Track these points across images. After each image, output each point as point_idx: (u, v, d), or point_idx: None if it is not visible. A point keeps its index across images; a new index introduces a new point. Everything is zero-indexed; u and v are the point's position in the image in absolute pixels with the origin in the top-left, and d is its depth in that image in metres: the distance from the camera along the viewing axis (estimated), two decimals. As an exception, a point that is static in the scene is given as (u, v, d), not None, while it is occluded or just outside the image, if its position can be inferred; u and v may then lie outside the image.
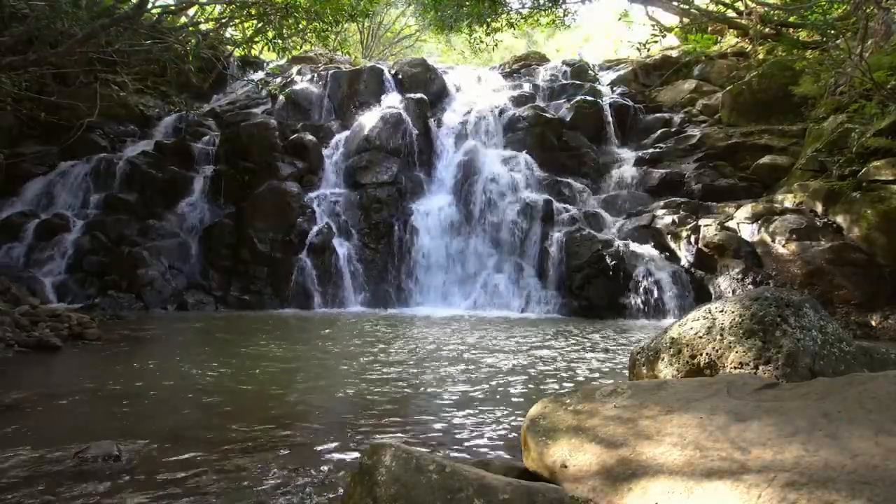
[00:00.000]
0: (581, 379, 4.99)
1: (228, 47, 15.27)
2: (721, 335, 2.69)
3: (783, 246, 9.07)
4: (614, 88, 15.75)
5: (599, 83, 16.08)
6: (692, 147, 12.80)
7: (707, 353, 2.70)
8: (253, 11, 11.20)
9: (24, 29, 9.38)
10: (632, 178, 12.54)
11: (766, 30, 14.69)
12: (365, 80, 14.68)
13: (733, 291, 9.13)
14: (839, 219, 9.01)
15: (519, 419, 3.62)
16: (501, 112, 13.94)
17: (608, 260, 10.00)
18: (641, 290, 9.70)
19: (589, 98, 14.29)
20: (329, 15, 11.45)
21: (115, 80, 12.65)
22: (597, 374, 5.20)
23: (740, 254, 9.41)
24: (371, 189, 12.05)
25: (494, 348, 6.42)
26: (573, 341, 7.04)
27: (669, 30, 18.66)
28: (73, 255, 10.44)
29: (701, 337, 2.75)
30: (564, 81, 15.99)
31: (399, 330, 7.93)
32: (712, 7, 16.93)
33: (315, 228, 11.25)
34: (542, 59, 18.94)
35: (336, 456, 2.98)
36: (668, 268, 9.93)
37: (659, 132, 13.66)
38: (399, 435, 3.36)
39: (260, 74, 16.66)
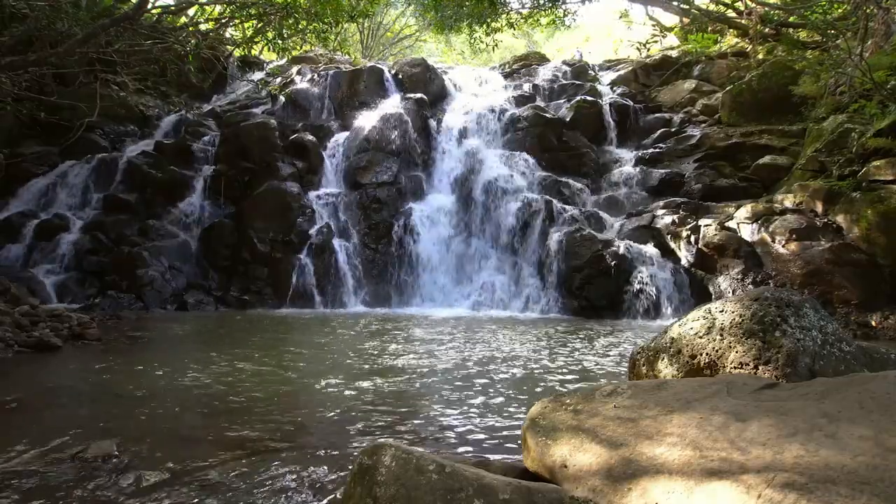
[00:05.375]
0: (581, 379, 4.99)
1: (228, 47, 15.27)
2: (721, 335, 2.69)
3: (783, 246, 9.07)
4: (614, 88, 15.74)
5: (599, 83, 16.07)
6: (692, 147, 12.79)
7: (707, 353, 2.70)
8: (253, 11, 11.19)
9: (24, 29, 9.38)
10: (632, 178, 12.53)
11: (766, 30, 14.69)
12: (365, 80, 14.68)
13: (733, 291, 9.12)
14: (839, 219, 9.00)
15: (519, 419, 3.62)
16: (501, 112, 13.94)
17: (608, 260, 10.00)
18: (641, 290, 9.70)
19: (589, 98, 14.29)
20: (329, 15, 11.44)
21: (115, 80, 12.64)
22: (597, 374, 5.20)
23: (740, 254, 9.40)
24: (371, 189, 12.05)
25: (494, 348, 6.42)
26: (573, 341, 7.04)
27: (669, 30, 18.69)
28: (72, 255, 10.44)
29: (701, 337, 2.75)
30: (564, 81, 15.99)
31: (399, 330, 7.93)
32: (712, 7, 16.94)
33: (315, 228, 11.25)
34: (542, 59, 18.94)
35: (336, 456, 2.98)
36: (668, 268, 9.93)
37: (659, 132, 13.65)
38: (399, 435, 3.36)
39: (260, 74, 16.66)
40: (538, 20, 18.26)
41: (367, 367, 5.36)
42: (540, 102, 14.61)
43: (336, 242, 11.23)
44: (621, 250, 10.10)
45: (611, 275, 9.91)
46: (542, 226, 11.07)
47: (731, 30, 16.27)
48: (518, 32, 21.57)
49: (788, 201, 9.64)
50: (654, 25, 19.24)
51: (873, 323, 8.21)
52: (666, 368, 2.86)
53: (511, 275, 10.96)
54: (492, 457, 2.90)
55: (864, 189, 8.90)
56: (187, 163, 12.31)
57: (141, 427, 3.42)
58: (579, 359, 5.89)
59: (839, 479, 1.53)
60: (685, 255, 9.94)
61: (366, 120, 13.22)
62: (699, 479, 1.71)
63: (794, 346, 2.50)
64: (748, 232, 9.55)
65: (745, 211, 9.82)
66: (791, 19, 14.43)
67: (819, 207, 9.28)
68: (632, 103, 14.66)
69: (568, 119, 13.73)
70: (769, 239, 9.25)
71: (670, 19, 19.57)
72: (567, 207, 11.45)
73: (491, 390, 4.50)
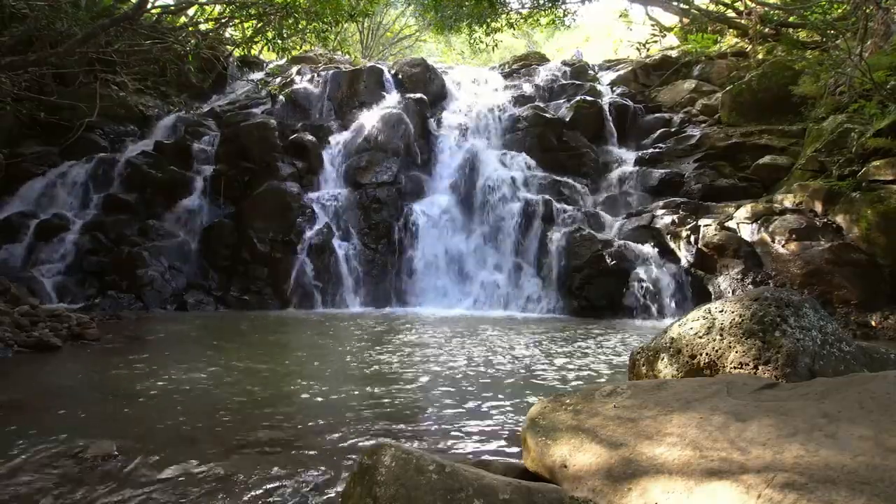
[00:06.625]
0: (581, 379, 4.99)
1: (228, 47, 15.26)
2: (721, 335, 2.69)
3: (783, 246, 9.07)
4: (614, 88, 15.73)
5: (599, 83, 16.06)
6: (692, 147, 12.78)
7: (707, 353, 2.70)
8: (253, 11, 11.18)
9: (24, 29, 9.38)
10: (631, 178, 12.53)
11: (766, 30, 14.70)
12: (365, 80, 14.67)
13: (733, 291, 9.12)
14: (839, 219, 9.00)
15: (519, 419, 3.62)
16: (501, 112, 13.94)
17: (608, 260, 10.00)
18: (641, 290, 9.69)
19: (589, 98, 14.28)
20: (329, 15, 11.44)
21: (115, 80, 12.63)
22: (597, 374, 5.20)
23: (740, 254, 9.40)
24: (371, 189, 12.04)
25: (494, 348, 6.42)
26: (573, 341, 7.04)
27: (669, 30, 18.69)
28: (72, 255, 10.43)
29: (701, 337, 2.75)
30: (564, 81, 15.98)
31: (399, 330, 7.93)
32: (712, 7, 16.94)
33: (315, 228, 11.24)
34: (542, 59, 18.93)
35: (336, 456, 2.98)
36: (667, 268, 9.93)
37: (659, 132, 13.64)
38: (399, 435, 3.36)
39: (260, 74, 16.65)
40: (538, 20, 18.27)
41: (366, 367, 5.36)
42: (540, 102, 14.61)
43: (336, 242, 11.22)
44: (621, 250, 10.10)
45: (610, 275, 9.91)
46: (542, 226, 11.07)
47: (731, 30, 16.27)
48: (518, 32, 21.58)
49: (788, 201, 9.64)
50: (653, 25, 19.24)
51: (873, 323, 8.21)
52: (666, 368, 2.86)
53: (511, 275, 10.96)
54: (492, 457, 2.90)
55: (864, 189, 8.90)
56: (187, 163, 12.30)
57: (141, 427, 3.42)
58: (579, 359, 5.89)
59: (839, 479, 1.53)
60: (685, 255, 9.95)
61: (366, 120, 13.21)
62: (699, 479, 1.71)
63: (794, 346, 2.50)
64: (748, 232, 9.55)
65: (744, 211, 9.82)
66: (791, 19, 14.43)
67: (819, 207, 9.28)
68: (632, 103, 14.65)
69: (568, 119, 13.73)
70: (769, 239, 9.25)
71: (670, 19, 19.58)
72: (567, 207, 11.45)
73: (491, 390, 4.49)
